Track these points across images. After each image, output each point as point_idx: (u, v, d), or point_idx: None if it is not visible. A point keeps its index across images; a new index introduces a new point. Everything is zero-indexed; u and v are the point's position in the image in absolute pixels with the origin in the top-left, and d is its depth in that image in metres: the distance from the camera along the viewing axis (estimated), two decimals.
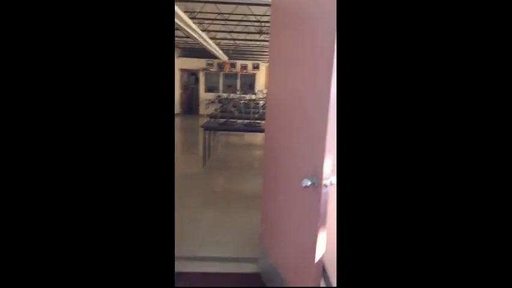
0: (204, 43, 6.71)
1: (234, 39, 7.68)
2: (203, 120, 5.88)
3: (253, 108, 5.60)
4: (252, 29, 6.65)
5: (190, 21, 5.06)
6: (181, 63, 10.69)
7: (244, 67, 10.85)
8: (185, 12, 5.21)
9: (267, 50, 9.54)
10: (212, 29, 6.51)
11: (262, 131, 4.34)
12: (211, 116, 5.74)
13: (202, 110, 10.89)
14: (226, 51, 9.67)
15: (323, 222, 1.23)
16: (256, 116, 4.73)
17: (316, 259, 1.26)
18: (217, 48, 7.98)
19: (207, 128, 4.25)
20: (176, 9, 4.32)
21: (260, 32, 6.40)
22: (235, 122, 4.49)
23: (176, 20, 4.71)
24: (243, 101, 6.30)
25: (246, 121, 4.49)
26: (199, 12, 5.55)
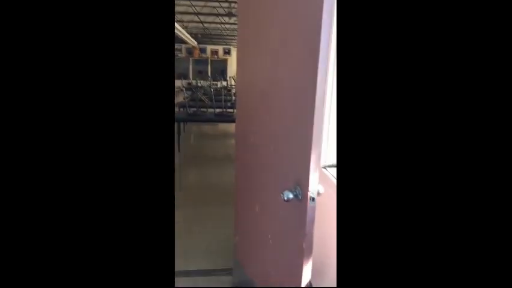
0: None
1: (202, 22, 7.20)
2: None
3: (225, 95, 5.27)
4: (221, 11, 6.23)
5: None
6: None
7: (214, 52, 10.37)
8: None
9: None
10: (177, 10, 6.01)
11: (235, 120, 4.07)
12: (180, 105, 5.34)
13: None
14: (194, 36, 9.13)
15: (309, 243, 1.01)
16: (229, 104, 4.42)
17: (303, 284, 1.05)
18: (184, 32, 7.47)
19: (176, 119, 3.90)
20: None
21: (229, 14, 6.02)
22: (206, 111, 4.15)
23: None
24: (213, 89, 5.96)
25: (218, 110, 4.17)
26: None
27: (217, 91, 6.74)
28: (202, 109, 4.29)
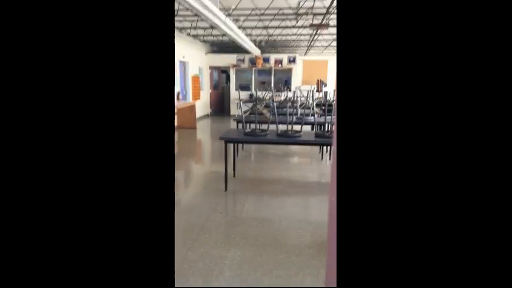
0: (236, 37, 5.73)
1: (267, 27, 6.58)
2: (234, 122, 5.00)
3: (289, 108, 4.48)
4: (288, 17, 5.55)
5: (221, 15, 4.13)
6: (210, 60, 9.85)
7: (278, 61, 9.71)
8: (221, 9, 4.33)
9: (305, 40, 8.32)
10: (239, 13, 5.49)
11: (303, 143, 3.19)
12: (237, 119, 4.71)
13: (234, 110, 9.97)
14: (258, 44, 8.62)
15: None
16: (294, 119, 3.60)
17: None
18: (248, 40, 6.95)
19: (228, 140, 3.21)
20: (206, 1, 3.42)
21: (297, 14, 5.25)
22: (266, 130, 3.39)
23: (203, 11, 3.81)
24: (277, 101, 5.20)
25: (282, 128, 3.38)
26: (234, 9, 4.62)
27: (281, 104, 6.02)
28: (262, 126, 3.55)
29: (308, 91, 5.51)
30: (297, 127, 3.38)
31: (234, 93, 10.04)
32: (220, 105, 10.76)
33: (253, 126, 3.53)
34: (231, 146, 3.91)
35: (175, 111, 6.78)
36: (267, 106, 5.06)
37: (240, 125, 4.88)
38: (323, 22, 5.22)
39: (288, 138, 3.17)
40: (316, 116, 4.50)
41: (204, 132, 7.54)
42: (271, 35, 7.55)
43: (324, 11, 5.06)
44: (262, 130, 3.37)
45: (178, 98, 7.48)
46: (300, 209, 2.90)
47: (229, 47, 9.91)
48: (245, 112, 3.70)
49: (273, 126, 3.45)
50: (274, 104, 3.46)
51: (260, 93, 3.80)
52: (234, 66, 9.83)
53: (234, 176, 3.74)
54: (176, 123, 7.47)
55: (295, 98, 5.59)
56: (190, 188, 3.49)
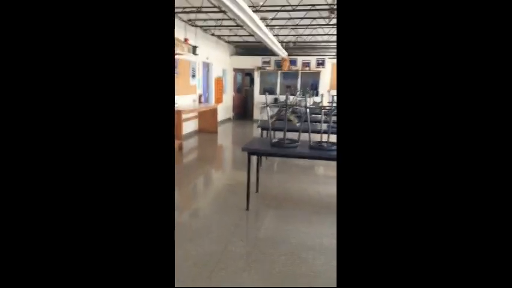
0: (263, 36, 5.31)
1: (296, 26, 6.10)
2: (256, 128, 4.54)
3: (324, 114, 3.95)
4: (318, 17, 5.06)
5: (250, 12, 3.74)
6: (234, 62, 9.50)
7: (306, 64, 9.18)
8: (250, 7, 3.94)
9: (335, 41, 7.75)
10: (265, 13, 5.06)
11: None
12: (262, 126, 4.24)
13: (257, 114, 9.54)
14: (285, 46, 8.15)
15: None
16: (330, 128, 3.08)
17: None
18: (276, 41, 6.51)
19: (252, 152, 2.75)
20: None
21: (331, 10, 4.74)
22: (296, 141, 2.90)
23: (233, 9, 3.43)
24: (304, 107, 4.73)
25: (313, 138, 2.88)
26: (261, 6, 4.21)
27: (311, 110, 5.48)
28: (290, 136, 3.06)
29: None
30: (329, 137, 2.87)
31: (257, 96, 9.61)
32: (243, 109, 10.37)
33: (279, 134, 3.06)
34: (254, 156, 3.45)
35: (196, 114, 6.43)
36: (294, 112, 4.58)
37: (265, 133, 4.43)
38: None
39: (323, 152, 2.65)
40: None
41: (225, 137, 7.14)
42: (300, 35, 7.05)
43: None
44: (292, 140, 2.88)
45: (200, 101, 7.16)
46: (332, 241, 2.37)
47: (255, 48, 9.50)
48: (271, 118, 3.21)
49: (303, 136, 2.96)
50: (307, 110, 2.95)
51: (289, 98, 3.32)
52: (259, 68, 9.41)
53: (257, 191, 3.28)
54: (197, 127, 7.14)
55: (325, 104, 5.06)
56: (208, 203, 3.06)
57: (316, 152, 2.67)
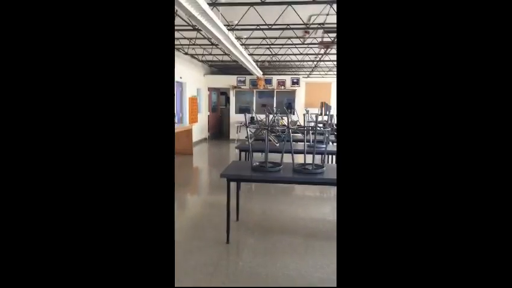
0: (238, 55, 5.19)
1: (271, 46, 6.08)
2: (233, 147, 4.26)
3: (314, 133, 3.80)
4: (293, 36, 5.07)
5: (225, 30, 3.60)
6: (209, 81, 9.33)
7: (281, 83, 9.21)
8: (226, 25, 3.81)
9: (309, 61, 7.86)
10: (251, 42, 4.98)
11: (331, 182, 2.36)
12: (240, 148, 4.03)
13: (233, 133, 9.33)
14: (260, 65, 8.13)
15: None
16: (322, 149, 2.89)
17: None
18: (251, 60, 6.44)
19: (232, 178, 2.51)
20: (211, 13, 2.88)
21: (305, 30, 4.74)
22: (279, 165, 2.71)
23: (208, 26, 3.27)
24: (281, 126, 4.59)
25: (297, 163, 2.70)
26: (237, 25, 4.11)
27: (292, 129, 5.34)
28: (272, 163, 2.86)
29: (316, 114, 4.91)
30: (309, 158, 2.70)
31: (233, 115, 9.44)
32: (218, 129, 10.14)
33: (257, 155, 2.85)
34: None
35: None
36: (272, 131, 4.41)
37: (243, 154, 4.20)
38: (336, 40, 4.71)
39: (309, 176, 2.47)
40: (330, 143, 3.84)
41: (201, 158, 6.82)
42: (275, 55, 7.05)
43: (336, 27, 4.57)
44: (274, 163, 2.68)
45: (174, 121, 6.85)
46: (330, 273, 2.14)
47: (230, 68, 9.43)
48: (249, 137, 2.98)
49: (282, 157, 2.77)
50: (290, 130, 2.78)
51: (268, 117, 3.12)
52: (234, 87, 9.30)
53: (238, 219, 3.01)
54: None
55: (304, 122, 4.95)
56: (184, 237, 2.72)
57: (301, 176, 2.48)
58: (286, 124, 5.64)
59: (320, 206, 3.63)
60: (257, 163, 2.72)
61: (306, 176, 2.47)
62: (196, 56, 7.89)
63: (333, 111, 9.33)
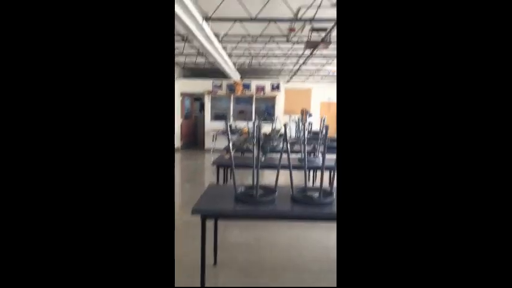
0: (212, 51, 4.49)
1: (251, 43, 5.44)
2: (209, 158, 3.53)
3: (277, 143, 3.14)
4: (277, 34, 4.47)
5: (204, 24, 2.90)
6: (181, 85, 8.52)
7: (260, 89, 8.60)
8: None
9: (290, 64, 7.31)
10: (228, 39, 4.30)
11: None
12: (218, 164, 3.29)
13: (208, 143, 8.54)
14: (239, 68, 7.48)
15: None
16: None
17: None
18: (228, 60, 5.76)
19: (209, 214, 1.78)
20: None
21: (288, 35, 4.15)
22: (271, 192, 2.02)
23: (182, 25, 2.57)
24: (283, 138, 3.95)
25: (296, 186, 2.02)
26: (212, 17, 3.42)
27: (270, 137, 4.70)
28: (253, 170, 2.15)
29: (298, 122, 4.32)
30: (322, 179, 2.03)
31: (208, 123, 8.67)
32: (192, 137, 9.30)
33: (241, 173, 2.13)
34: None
35: None
36: (262, 146, 3.73)
37: (222, 171, 3.47)
38: (325, 38, 4.16)
39: (315, 208, 1.79)
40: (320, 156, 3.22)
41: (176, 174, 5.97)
42: (256, 55, 6.42)
43: (326, 25, 4.02)
44: (265, 189, 1.98)
45: None
46: None
47: (204, 70, 8.69)
48: (230, 149, 2.23)
49: (277, 180, 2.07)
50: (287, 140, 2.10)
51: (256, 125, 2.43)
52: (210, 92, 8.56)
53: (215, 262, 2.27)
54: None
55: (286, 131, 4.33)
56: None
57: (305, 208, 1.80)
58: (267, 133, 4.87)
59: (324, 238, 2.94)
60: (242, 189, 2.01)
61: (311, 208, 1.80)
62: None
63: (313, 118, 8.88)
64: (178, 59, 7.18)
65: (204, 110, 8.80)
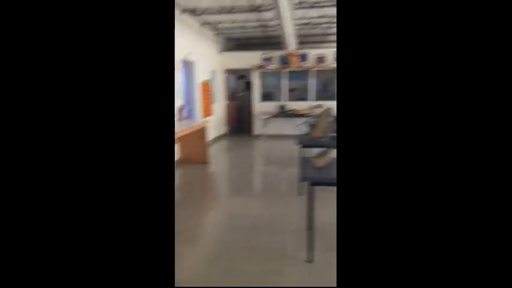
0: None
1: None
2: (259, 146, 2.28)
3: None
4: None
5: None
6: (224, 60, 7.21)
7: (320, 59, 6.99)
8: None
9: None
10: None
11: None
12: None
13: (258, 128, 7.27)
14: (299, 31, 5.94)
15: None
16: None
17: None
18: (290, 29, 4.27)
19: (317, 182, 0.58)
20: None
21: None
22: None
23: None
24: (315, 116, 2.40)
25: None
26: None
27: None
28: None
29: None
30: None
31: (257, 105, 7.34)
32: (238, 122, 8.07)
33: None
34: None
35: (176, 137, 4.07)
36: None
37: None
38: None
39: None
40: None
41: (223, 170, 4.76)
42: (312, 17, 4.81)
43: None
44: None
45: (180, 117, 4.81)
46: None
47: (253, 39, 7.27)
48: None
49: None
50: None
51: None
52: (259, 67, 7.15)
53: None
54: (177, 156, 4.79)
55: None
56: None
57: None
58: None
59: None
60: None
61: None
62: (209, 25, 5.76)
63: None
64: (223, 26, 5.83)
65: (250, 89, 7.46)
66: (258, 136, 7.18)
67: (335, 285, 0.79)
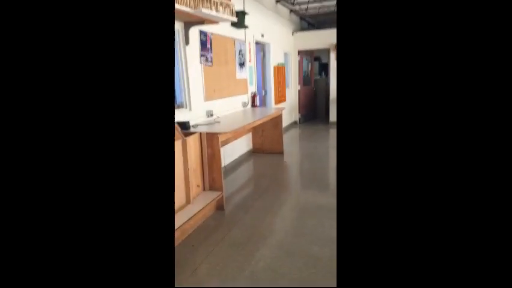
0: None
1: None
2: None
3: None
4: None
5: None
6: (298, 41, 6.62)
7: None
8: None
9: None
10: None
11: None
12: None
13: (334, 115, 6.59)
14: None
15: None
16: None
17: None
18: None
19: None
20: None
21: None
22: None
23: None
24: None
25: None
26: None
27: None
28: None
29: None
30: None
31: (335, 90, 6.63)
32: (312, 108, 7.48)
33: None
34: None
35: (249, 127, 3.76)
36: None
37: None
38: None
39: None
40: None
41: (300, 161, 4.32)
42: None
43: None
44: None
45: (254, 104, 4.50)
46: None
47: (330, 15, 6.52)
48: None
49: None
50: None
51: None
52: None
53: None
54: (250, 146, 4.52)
55: None
56: None
57: None
58: None
59: None
60: None
61: None
62: (284, 2, 5.25)
63: None
64: (294, 7, 5.25)
65: (325, 72, 6.76)
66: (333, 124, 6.51)
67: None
